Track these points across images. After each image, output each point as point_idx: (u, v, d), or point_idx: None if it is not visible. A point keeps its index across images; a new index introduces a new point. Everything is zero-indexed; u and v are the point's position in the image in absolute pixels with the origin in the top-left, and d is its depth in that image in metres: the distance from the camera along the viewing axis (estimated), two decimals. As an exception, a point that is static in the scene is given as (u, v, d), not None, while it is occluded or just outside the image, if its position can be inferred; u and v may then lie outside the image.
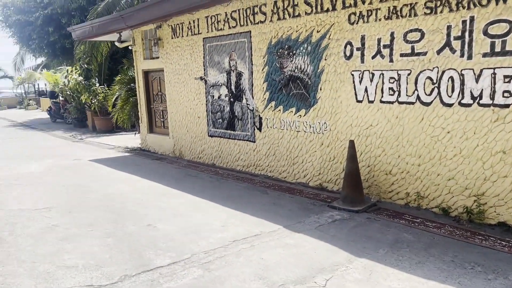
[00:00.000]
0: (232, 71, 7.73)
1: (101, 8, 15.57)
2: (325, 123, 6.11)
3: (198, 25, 8.27)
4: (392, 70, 5.21)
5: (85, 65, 15.41)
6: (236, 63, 7.58)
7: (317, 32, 6.02)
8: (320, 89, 6.10)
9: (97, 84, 15.10)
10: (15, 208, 5.96)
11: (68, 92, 16.15)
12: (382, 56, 5.29)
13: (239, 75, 7.58)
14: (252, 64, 7.22)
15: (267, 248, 4.26)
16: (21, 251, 4.41)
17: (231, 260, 4.02)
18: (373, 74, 5.41)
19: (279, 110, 6.83)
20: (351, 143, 5.30)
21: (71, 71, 15.64)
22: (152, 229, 4.93)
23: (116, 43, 10.42)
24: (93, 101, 15.18)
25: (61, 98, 19.31)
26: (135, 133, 11.73)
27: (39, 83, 34.55)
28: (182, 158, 9.42)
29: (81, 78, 14.82)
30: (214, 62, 8.08)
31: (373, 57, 5.39)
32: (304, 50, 6.24)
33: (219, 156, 8.36)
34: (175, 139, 9.58)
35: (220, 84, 8.03)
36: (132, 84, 11.04)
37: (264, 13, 6.81)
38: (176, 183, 7.13)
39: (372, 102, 5.47)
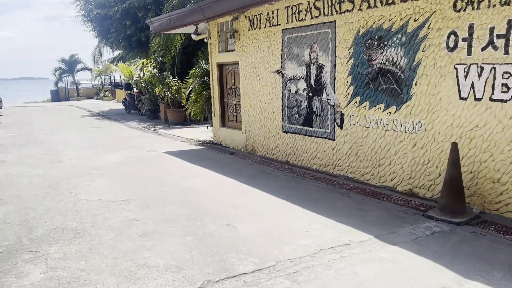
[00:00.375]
0: (312, 64, 7.31)
1: (176, 1, 15.78)
2: (419, 122, 5.52)
3: (277, 15, 7.93)
4: (507, 63, 4.52)
5: (160, 58, 15.68)
6: (317, 55, 7.15)
7: (414, 21, 5.43)
8: (415, 84, 5.51)
9: (171, 77, 15.31)
10: (96, 198, 6.00)
11: (142, 84, 16.57)
12: (495, 48, 4.61)
13: (320, 68, 7.15)
14: (335, 56, 6.75)
15: (360, 261, 3.83)
16: (103, 245, 4.34)
17: (321, 272, 3.64)
18: (482, 68, 4.75)
19: (365, 106, 6.32)
20: (454, 146, 4.70)
21: (146, 64, 16.01)
22: (231, 230, 4.68)
23: (192, 36, 10.38)
24: (166, 94, 15.44)
25: (135, 90, 19.95)
26: (207, 127, 11.70)
27: (114, 75, 36.25)
28: (254, 153, 9.18)
29: (155, 70, 15.10)
30: (292, 54, 7.71)
31: (483, 49, 4.73)
32: (397, 41, 5.68)
33: (293, 154, 8.00)
34: (248, 134, 9.35)
35: (298, 78, 7.64)
36: (206, 78, 10.98)
37: (352, 1, 6.31)
38: (250, 180, 6.87)
39: (479, 100, 4.81)
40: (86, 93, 36.83)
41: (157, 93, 15.41)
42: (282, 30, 7.88)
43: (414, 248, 4.06)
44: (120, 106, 24.48)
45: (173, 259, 3.96)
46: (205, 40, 10.50)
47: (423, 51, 5.37)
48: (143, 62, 16.21)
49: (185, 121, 16.08)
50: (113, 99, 31.69)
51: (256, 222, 4.91)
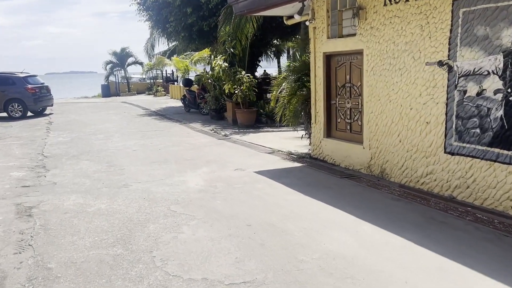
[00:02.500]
0: (516, 52, 4.62)
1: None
2: None
3: (445, -21, 5.27)
4: None
5: (231, 50, 13.32)
6: (530, 37, 4.45)
7: None
8: None
9: (243, 72, 12.94)
10: (198, 276, 3.63)
11: (209, 81, 14.29)
12: None
13: (531, 58, 4.45)
14: None
15: None
16: None
17: None
18: None
19: None
20: None
21: (216, 57, 13.69)
22: None
23: (296, 16, 7.81)
24: (236, 91, 13.10)
25: (196, 87, 17.81)
26: (302, 136, 9.20)
27: (166, 70, 34.56)
28: (384, 178, 6.60)
29: (226, 64, 12.75)
30: (474, 37, 5.04)
31: None
32: None
33: (465, 187, 5.35)
34: (374, 150, 6.77)
35: (485, 73, 4.96)
36: (306, 72, 8.44)
37: None
38: (425, 239, 4.31)
39: None
40: (137, 88, 35.37)
41: (226, 91, 13.07)
42: (454, 1, 5.21)
43: None
44: (177, 103, 22.53)
45: None
46: (308, 22, 7.98)
47: None
48: (211, 56, 13.88)
49: (256, 123, 13.72)
50: (165, 95, 29.93)
51: None
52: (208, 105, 15.54)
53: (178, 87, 25.18)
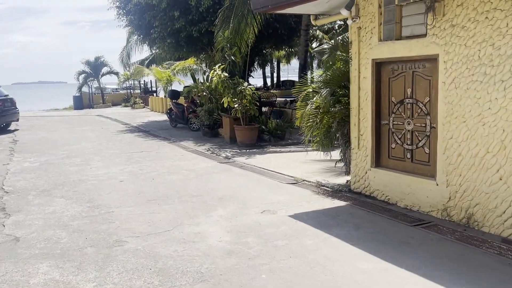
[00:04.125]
0: None
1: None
2: None
3: None
4: None
5: (231, 58, 11.51)
6: None
7: None
8: None
9: (245, 83, 11.15)
10: None
11: (204, 93, 12.41)
12: None
13: None
14: None
15: None
16: None
17: None
18: None
19: None
20: None
21: (211, 65, 11.87)
22: None
23: (341, 13, 5.99)
24: (236, 105, 11.30)
25: (184, 99, 15.90)
26: (336, 163, 7.41)
27: (145, 80, 32.39)
28: (472, 226, 4.90)
29: (225, 74, 10.93)
30: None
31: None
32: None
33: None
34: (455, 188, 5.08)
35: None
36: (345, 84, 6.69)
37: None
38: None
39: None
40: (112, 100, 33.00)
41: (225, 104, 11.24)
42: None
43: None
44: (159, 117, 20.53)
45: None
46: (349, 22, 6.28)
47: None
48: (206, 64, 12.05)
49: (258, 142, 11.94)
50: (144, 107, 27.77)
51: None
52: (200, 120, 13.64)
53: (159, 99, 23.17)
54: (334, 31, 29.32)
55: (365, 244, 4.52)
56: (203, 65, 27.39)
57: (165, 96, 24.74)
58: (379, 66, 6.07)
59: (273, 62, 35.57)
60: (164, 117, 19.91)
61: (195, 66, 27.53)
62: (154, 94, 30.46)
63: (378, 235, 4.82)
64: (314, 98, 6.84)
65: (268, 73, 37.09)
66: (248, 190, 6.97)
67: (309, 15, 15.59)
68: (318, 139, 7.09)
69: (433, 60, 5.27)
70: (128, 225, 5.34)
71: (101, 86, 32.92)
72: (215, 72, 10.94)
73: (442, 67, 5.11)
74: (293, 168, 8.60)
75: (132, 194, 6.84)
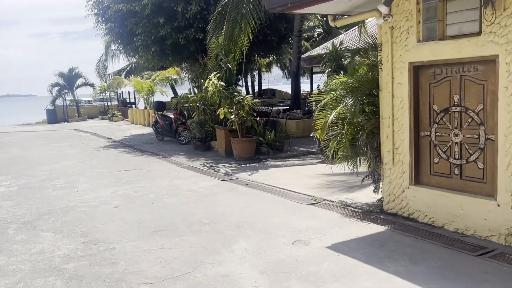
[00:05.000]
0: None
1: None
2: None
3: None
4: None
5: (228, 65, 10.65)
6: None
7: None
8: None
9: (244, 92, 10.34)
10: None
11: (197, 104, 11.48)
12: None
13: None
14: None
15: None
16: None
17: None
18: None
19: None
20: None
21: (202, 74, 11.01)
22: None
23: (381, 8, 5.16)
24: (232, 116, 10.45)
25: (173, 111, 14.94)
26: (363, 179, 6.59)
27: (122, 91, 31.11)
28: (547, 253, 4.19)
29: (222, 83, 10.07)
30: None
31: None
32: None
33: None
34: (522, 210, 4.38)
35: None
36: (374, 92, 5.93)
37: None
38: None
39: None
40: (87, 113, 31.53)
41: (221, 116, 10.38)
42: None
43: None
44: (142, 129, 19.44)
45: None
46: (379, 21, 5.55)
47: None
48: (207, 75, 11.17)
49: (256, 155, 11.11)
50: (123, 120, 26.54)
51: None
52: (191, 133, 12.70)
53: (140, 111, 22.06)
54: (314, 39, 28.89)
55: (437, 285, 3.73)
56: (187, 74, 26.56)
57: (145, 108, 23.67)
58: (417, 70, 5.35)
59: (254, 70, 34.90)
60: (147, 130, 18.87)
61: (175, 76, 26.63)
62: (133, 105, 29.25)
63: (444, 270, 4.04)
64: (338, 108, 6.05)
65: (248, 82, 36.36)
66: (266, 214, 6.12)
67: (301, 20, 15.08)
68: (342, 153, 6.29)
69: (489, 62, 4.57)
70: (137, 267, 4.40)
71: (76, 98, 31.42)
72: (211, 81, 10.07)
73: (503, 70, 4.42)
74: (306, 184, 7.79)
75: (132, 224, 5.88)
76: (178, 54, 15.24)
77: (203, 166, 10.34)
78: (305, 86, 43.83)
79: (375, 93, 5.98)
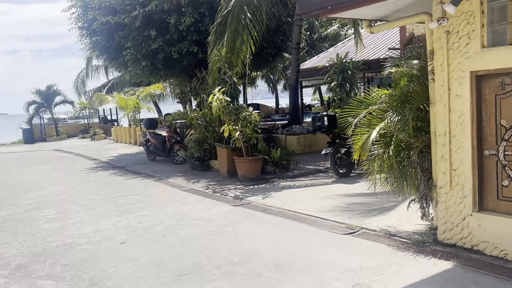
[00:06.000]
0: None
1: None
2: None
3: None
4: None
5: (233, 79, 9.87)
6: None
7: None
8: None
9: (250, 108, 9.55)
10: None
11: (199, 121, 10.60)
12: None
13: None
14: None
15: None
16: None
17: None
18: None
19: None
20: None
21: (200, 88, 10.20)
22: None
23: (446, 10, 4.44)
24: (237, 133, 9.65)
25: (166, 129, 14.02)
26: (409, 203, 5.82)
27: (104, 108, 29.88)
28: None
29: (227, 99, 9.26)
30: None
31: None
32: None
33: None
34: None
35: None
36: (423, 106, 5.20)
37: None
38: None
39: None
40: (66, 131, 30.13)
41: (226, 133, 9.56)
42: None
43: None
44: (129, 149, 18.39)
45: None
46: (431, 25, 4.88)
47: None
48: (207, 89, 10.33)
49: (262, 174, 10.31)
50: (105, 138, 25.33)
51: None
52: (189, 152, 11.81)
53: (126, 129, 20.99)
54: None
55: None
56: (171, 90, 25.61)
57: (129, 125, 22.63)
58: (479, 80, 4.68)
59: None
60: (135, 149, 17.86)
61: (159, 92, 25.68)
62: (115, 123, 28.07)
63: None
64: (382, 124, 5.32)
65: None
66: (303, 249, 5.29)
67: (300, 32, 14.47)
68: (386, 175, 5.54)
69: None
70: (171, 330, 3.50)
71: (54, 116, 30.02)
72: (215, 96, 9.25)
73: None
74: (330, 208, 7.04)
75: (148, 266, 4.96)
76: (170, 68, 14.39)
77: (206, 189, 9.46)
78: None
79: (424, 107, 5.29)
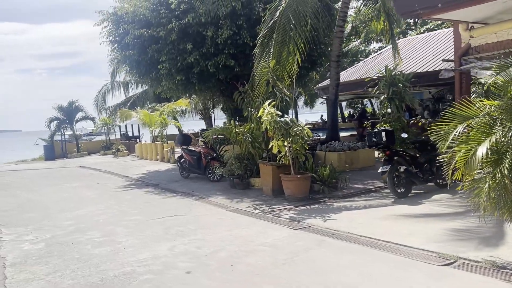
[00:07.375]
0: None
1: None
2: None
3: None
4: None
5: (285, 91, 9.30)
6: None
7: None
8: None
9: (303, 122, 8.97)
10: None
11: (243, 137, 10.02)
12: None
13: None
14: None
15: None
16: None
17: None
18: None
19: None
20: None
21: (266, 103, 9.60)
22: None
23: None
24: (286, 149, 9.04)
25: (202, 145, 13.46)
26: None
27: (126, 125, 29.54)
28: None
29: (278, 113, 8.68)
30: None
31: None
32: None
33: None
34: None
35: None
36: None
37: None
38: None
39: None
40: (87, 148, 29.87)
41: (275, 150, 8.95)
42: None
43: None
44: (157, 165, 17.85)
45: None
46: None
47: None
48: (266, 103, 9.69)
49: (310, 194, 9.63)
50: (129, 155, 24.90)
51: None
52: (229, 169, 11.20)
53: (152, 145, 20.50)
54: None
55: None
56: (194, 105, 25.20)
57: (153, 141, 22.20)
58: None
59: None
60: (164, 166, 17.34)
61: (184, 107, 25.26)
62: (137, 139, 27.68)
63: None
64: (493, 138, 4.65)
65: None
66: (404, 285, 4.58)
67: (340, 44, 13.92)
68: (495, 196, 4.83)
69: None
70: None
71: (76, 133, 29.77)
72: (265, 111, 8.67)
73: None
74: (408, 234, 6.32)
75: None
76: (204, 82, 13.92)
77: (254, 209, 8.81)
78: (308, 116, 42.81)
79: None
